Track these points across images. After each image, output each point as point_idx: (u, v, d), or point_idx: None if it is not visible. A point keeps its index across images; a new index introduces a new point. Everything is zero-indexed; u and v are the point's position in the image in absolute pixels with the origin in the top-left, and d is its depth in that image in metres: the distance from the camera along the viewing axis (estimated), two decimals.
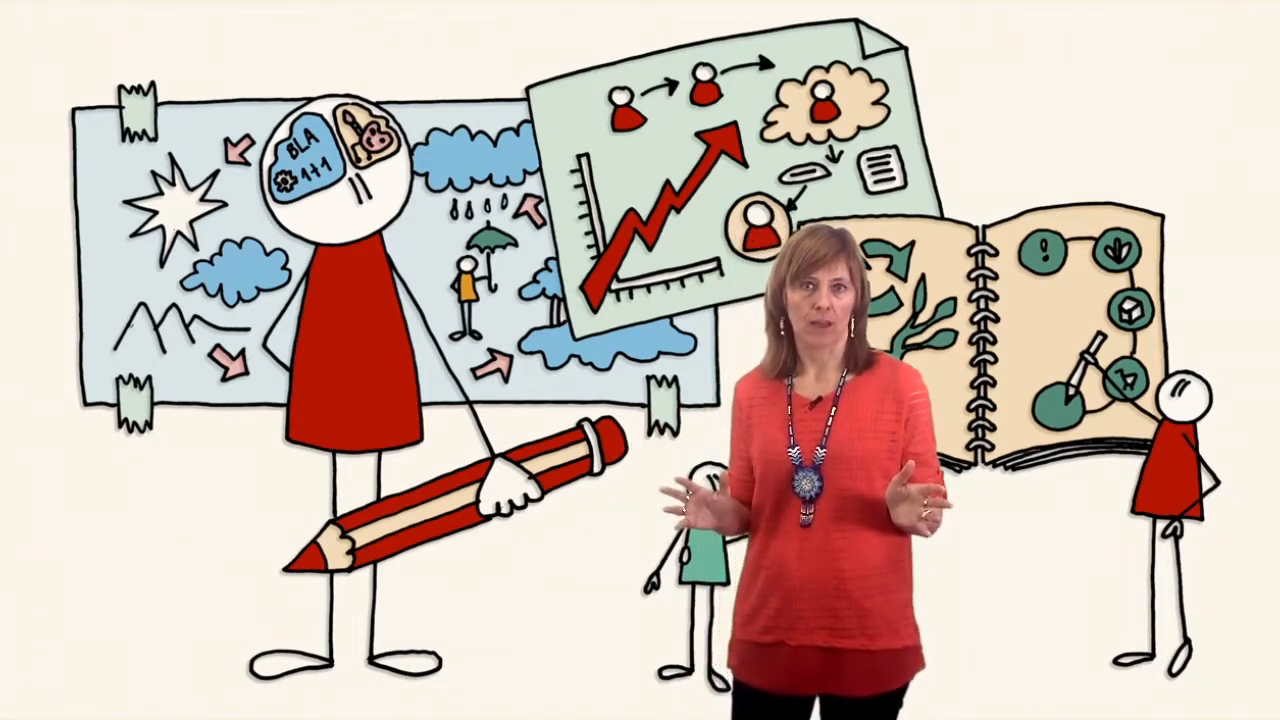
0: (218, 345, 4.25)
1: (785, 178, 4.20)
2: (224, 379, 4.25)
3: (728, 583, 4.18)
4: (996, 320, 4.16)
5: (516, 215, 4.24)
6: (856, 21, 4.18)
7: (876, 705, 2.83)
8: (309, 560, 4.24)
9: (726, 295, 4.20)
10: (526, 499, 4.20)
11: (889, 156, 4.19)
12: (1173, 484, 4.16)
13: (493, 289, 4.24)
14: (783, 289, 2.81)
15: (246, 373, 4.25)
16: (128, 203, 4.26)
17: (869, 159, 4.19)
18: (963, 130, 4.15)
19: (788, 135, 4.20)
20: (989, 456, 4.17)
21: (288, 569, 4.23)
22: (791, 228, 4.17)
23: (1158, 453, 4.16)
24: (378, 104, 4.23)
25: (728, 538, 2.87)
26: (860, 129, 4.19)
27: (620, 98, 4.21)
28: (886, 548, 2.81)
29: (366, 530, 4.24)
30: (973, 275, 4.17)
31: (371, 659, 4.26)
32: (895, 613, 2.83)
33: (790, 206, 4.19)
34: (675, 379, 4.21)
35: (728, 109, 4.20)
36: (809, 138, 4.20)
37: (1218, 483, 4.17)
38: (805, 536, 2.77)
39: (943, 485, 2.78)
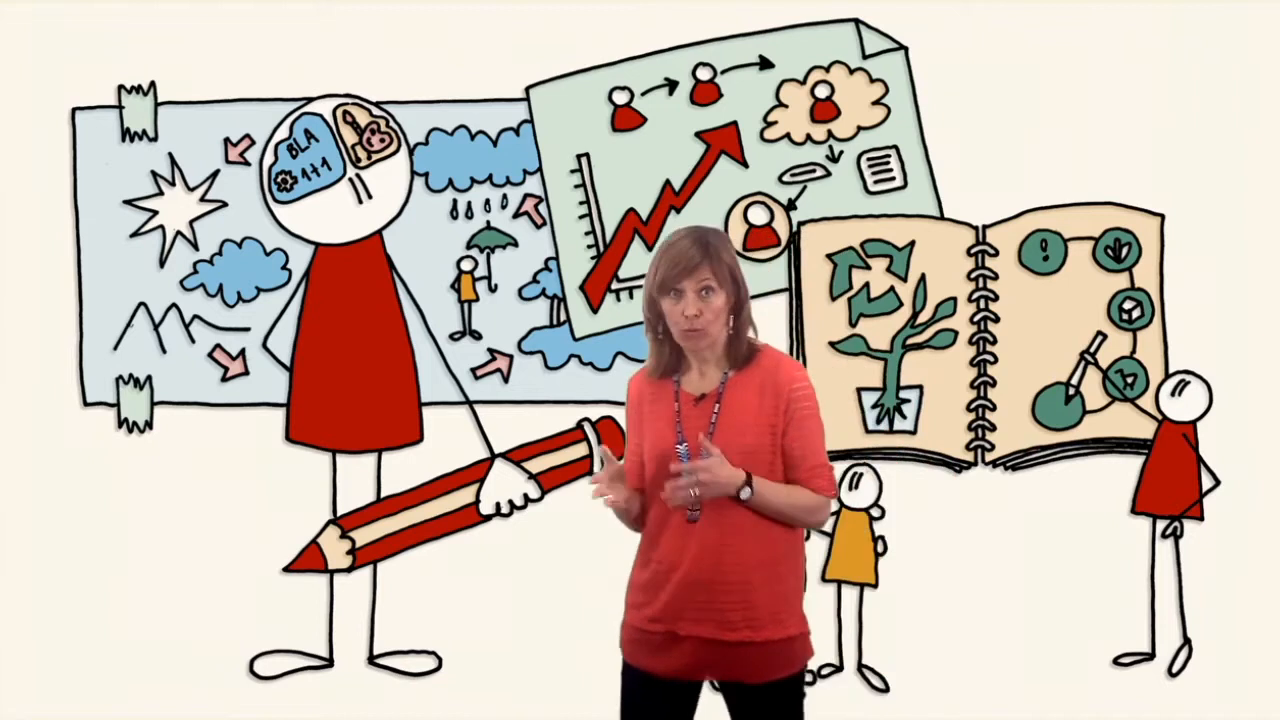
0: (218, 345, 4.25)
1: (785, 178, 4.20)
2: (224, 379, 4.25)
3: None
4: (996, 320, 4.16)
5: (516, 215, 4.24)
6: (856, 21, 4.18)
7: (770, 691, 2.87)
8: (309, 560, 4.24)
9: None
10: (526, 499, 4.20)
11: (889, 156, 4.19)
12: (1173, 484, 4.16)
13: (493, 289, 4.24)
14: (655, 299, 2.87)
15: (246, 373, 4.25)
16: (128, 203, 4.26)
17: (869, 159, 4.19)
18: (963, 130, 4.15)
19: (788, 135, 4.20)
20: (989, 456, 4.17)
21: (288, 569, 4.23)
22: (792, 227, 4.17)
23: (1158, 453, 4.16)
24: (378, 104, 4.23)
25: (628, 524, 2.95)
26: (860, 129, 4.19)
27: (620, 98, 4.21)
28: (773, 541, 2.85)
29: (366, 530, 4.24)
30: (973, 275, 4.17)
31: (371, 659, 4.26)
32: (781, 604, 2.87)
33: (790, 206, 4.19)
34: None
35: (728, 109, 4.20)
36: (809, 138, 4.20)
37: (1218, 483, 4.17)
38: (692, 532, 2.83)
39: (822, 481, 2.85)
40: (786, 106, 4.19)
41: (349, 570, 4.25)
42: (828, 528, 4.19)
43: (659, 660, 2.91)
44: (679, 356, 2.92)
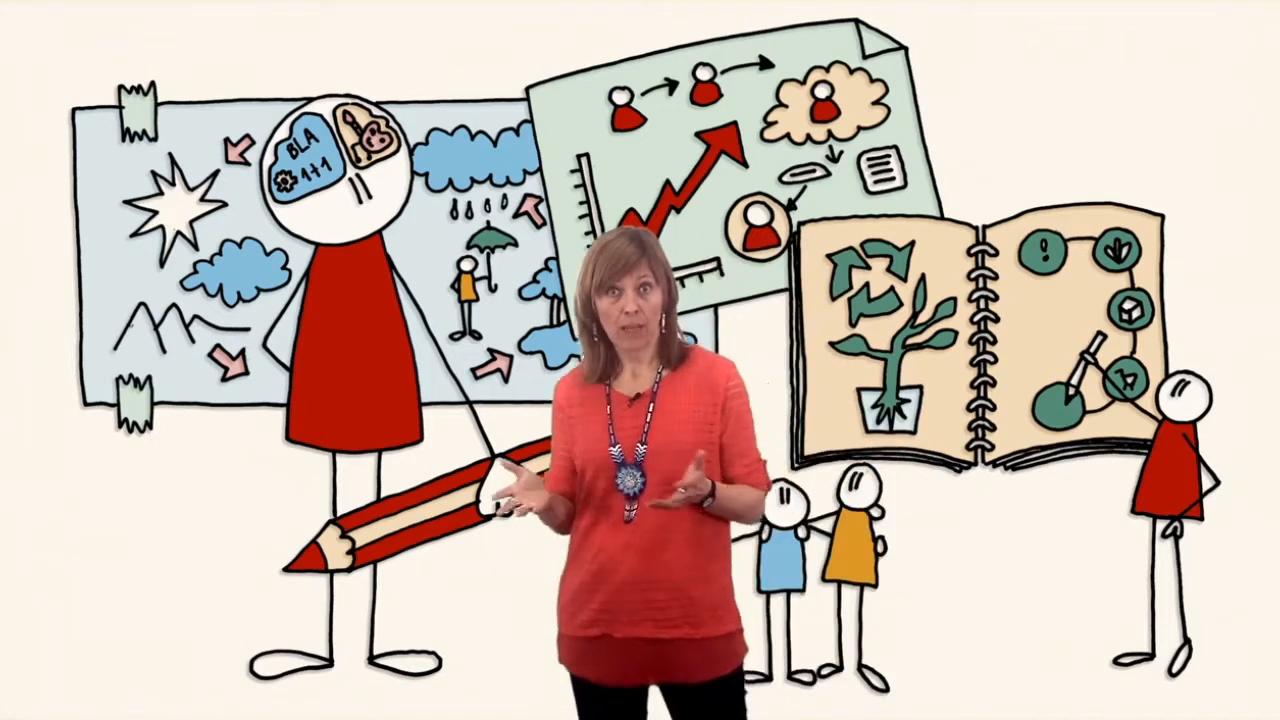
0: (218, 345, 4.25)
1: (785, 178, 4.20)
2: (224, 379, 4.25)
3: None
4: (996, 320, 4.16)
5: (516, 215, 4.24)
6: (856, 21, 4.19)
7: (713, 689, 2.89)
8: (309, 560, 4.24)
9: (726, 295, 4.20)
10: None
11: (889, 156, 4.19)
12: (1173, 484, 4.16)
13: (493, 289, 4.24)
14: (591, 298, 2.87)
15: (246, 373, 4.25)
16: (128, 203, 4.26)
17: (869, 159, 4.19)
18: (963, 130, 4.15)
19: (788, 135, 4.20)
20: (989, 456, 4.17)
21: (288, 569, 4.23)
22: (792, 227, 4.17)
23: (1158, 453, 4.16)
24: (378, 104, 4.23)
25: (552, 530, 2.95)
26: (860, 129, 4.19)
27: (620, 98, 4.21)
28: (708, 538, 2.88)
29: (366, 530, 4.24)
30: (973, 275, 4.17)
31: (371, 659, 4.26)
32: (719, 600, 2.89)
33: (790, 206, 4.19)
34: None
35: (728, 109, 4.20)
36: (809, 138, 4.20)
37: (1218, 483, 4.18)
38: (630, 532, 2.84)
39: (761, 476, 2.89)
40: (786, 106, 4.19)
41: (349, 570, 4.25)
42: (827, 527, 4.19)
43: (602, 669, 2.91)
44: (614, 360, 2.92)
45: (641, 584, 2.83)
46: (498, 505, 2.82)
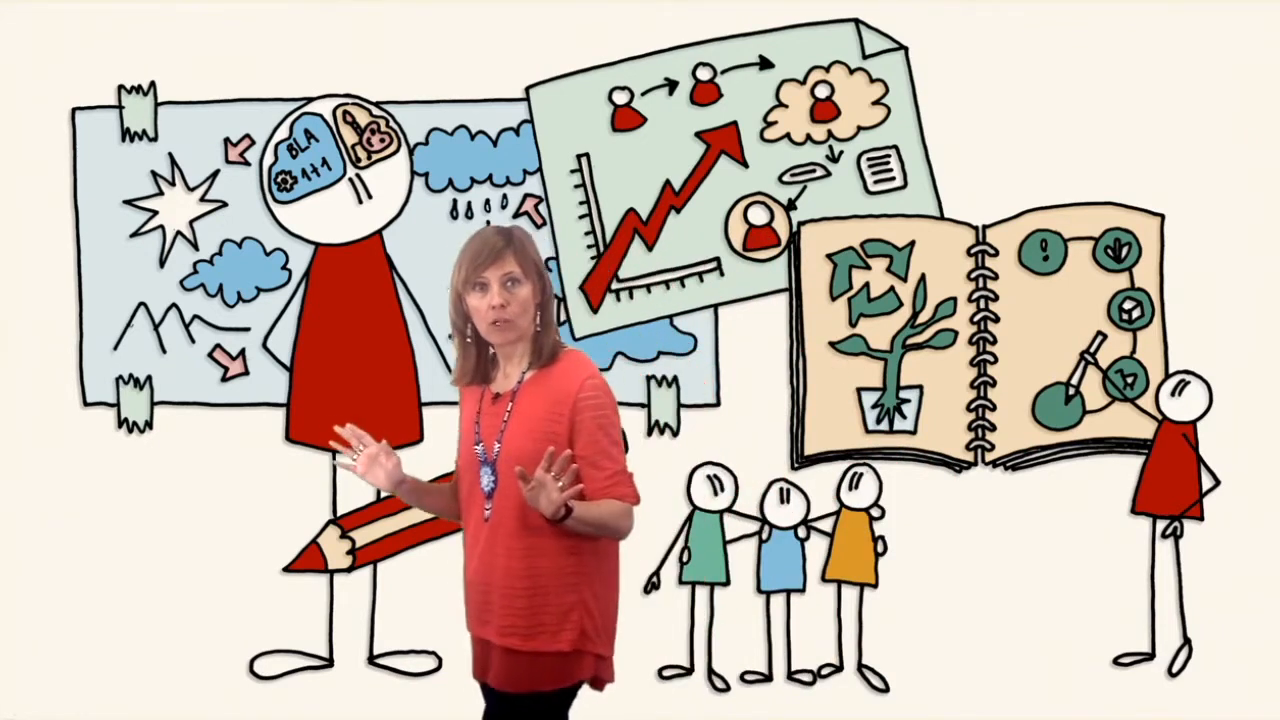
0: (218, 345, 4.25)
1: (785, 178, 4.20)
2: (224, 379, 4.25)
3: (728, 583, 4.18)
4: (996, 320, 4.16)
5: (516, 215, 4.24)
6: (856, 21, 4.19)
7: (515, 704, 2.84)
8: (309, 560, 4.24)
9: (726, 295, 4.20)
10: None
11: (889, 156, 4.19)
12: (1173, 484, 4.16)
13: None
14: (461, 298, 2.84)
15: (246, 373, 4.25)
16: (128, 203, 4.26)
17: (869, 159, 4.19)
18: (963, 130, 4.15)
19: (788, 135, 4.20)
20: (989, 456, 4.17)
21: (288, 569, 4.23)
22: (792, 227, 4.17)
23: (1158, 453, 4.16)
24: (378, 104, 4.23)
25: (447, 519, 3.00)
26: (860, 129, 4.19)
27: (620, 98, 4.21)
28: (552, 550, 2.78)
29: (366, 530, 4.24)
30: (973, 275, 4.17)
31: (371, 659, 4.26)
32: (553, 616, 2.78)
33: (790, 206, 4.19)
34: (675, 379, 4.21)
35: (728, 109, 4.20)
36: (809, 138, 4.19)
37: (1218, 483, 4.18)
38: (486, 531, 2.84)
39: (624, 489, 2.77)
40: (786, 106, 4.19)
41: (349, 570, 4.25)
42: (827, 527, 4.19)
43: (475, 665, 2.95)
44: (490, 361, 2.90)
45: (487, 585, 2.83)
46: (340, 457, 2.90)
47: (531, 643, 2.79)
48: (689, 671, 4.21)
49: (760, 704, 4.21)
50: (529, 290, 2.81)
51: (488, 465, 2.83)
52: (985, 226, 4.17)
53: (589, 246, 4.22)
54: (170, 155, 4.25)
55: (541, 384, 2.82)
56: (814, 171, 4.20)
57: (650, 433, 4.21)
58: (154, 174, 4.26)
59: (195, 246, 4.26)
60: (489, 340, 2.85)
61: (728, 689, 4.22)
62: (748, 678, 4.22)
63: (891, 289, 4.16)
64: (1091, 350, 4.16)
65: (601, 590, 2.84)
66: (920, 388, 4.17)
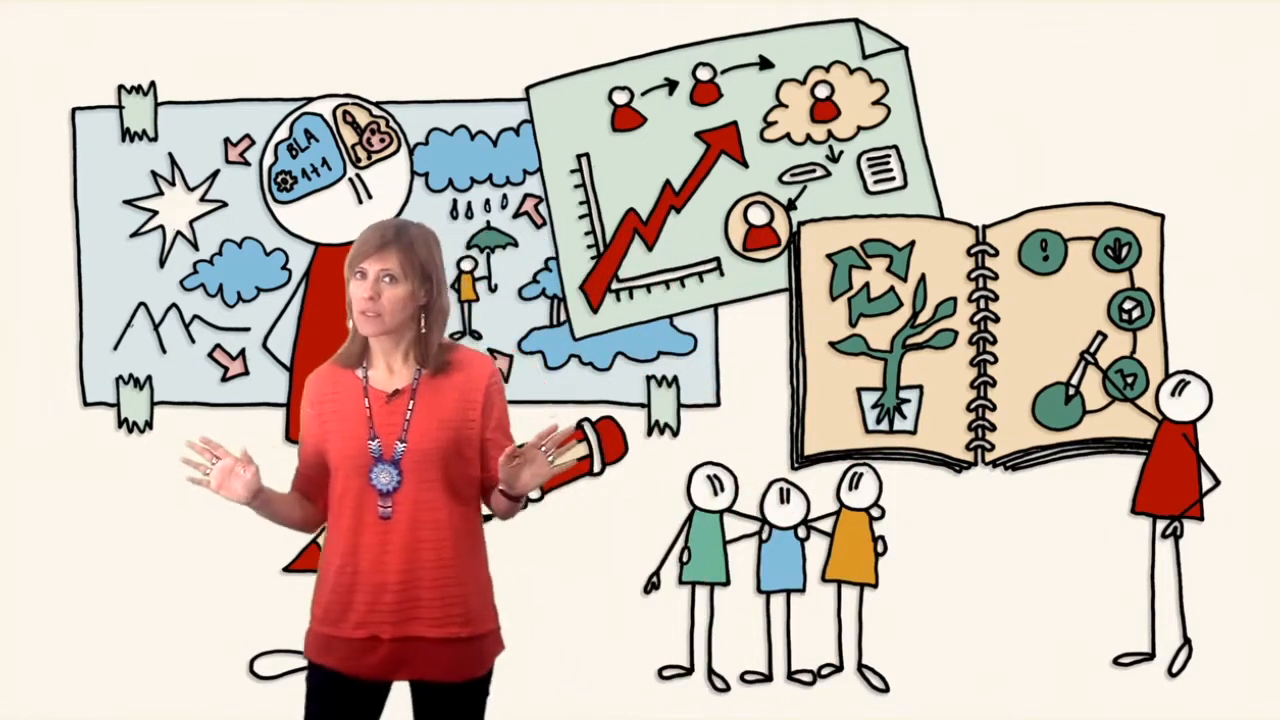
0: (218, 345, 4.25)
1: (785, 178, 4.20)
2: (224, 379, 4.25)
3: (728, 583, 4.18)
4: (996, 320, 4.16)
5: (516, 215, 4.24)
6: (856, 21, 4.19)
7: (466, 690, 2.88)
8: (309, 560, 4.23)
9: (726, 295, 4.20)
10: (527, 499, 4.19)
11: (889, 156, 4.19)
12: (1173, 484, 4.16)
13: (493, 289, 4.24)
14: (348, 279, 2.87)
15: (246, 373, 4.25)
16: (128, 203, 4.26)
17: (869, 159, 4.19)
18: (963, 130, 4.15)
19: (788, 135, 4.20)
20: (989, 456, 4.17)
21: (288, 569, 4.23)
22: (792, 227, 4.17)
23: (1158, 453, 4.16)
24: (378, 104, 4.23)
25: (298, 528, 2.99)
26: (860, 129, 4.19)
27: (620, 98, 4.21)
28: (466, 536, 2.88)
29: None
30: (973, 275, 4.17)
31: None
32: (478, 599, 2.89)
33: (790, 206, 4.19)
34: (675, 379, 4.21)
35: (728, 109, 4.20)
36: (809, 138, 4.19)
37: (1218, 483, 4.17)
38: (387, 530, 2.83)
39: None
40: (786, 106, 4.19)
41: None
42: (827, 527, 4.19)
43: (353, 662, 2.87)
44: (365, 348, 2.89)
45: (403, 583, 2.82)
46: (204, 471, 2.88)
47: (471, 626, 2.85)
48: (689, 671, 4.21)
49: (760, 704, 4.21)
50: (406, 290, 2.81)
51: (387, 464, 2.83)
52: (985, 226, 4.17)
53: (589, 246, 4.22)
54: (170, 155, 4.25)
55: (446, 380, 2.86)
56: (814, 171, 4.20)
57: (650, 433, 4.21)
58: (154, 174, 4.26)
59: (195, 246, 4.26)
60: (359, 329, 2.85)
61: (728, 689, 4.22)
62: (748, 678, 4.22)
63: (891, 289, 4.16)
64: (1091, 350, 4.16)
65: (487, 566, 2.97)
66: (920, 388, 4.17)
